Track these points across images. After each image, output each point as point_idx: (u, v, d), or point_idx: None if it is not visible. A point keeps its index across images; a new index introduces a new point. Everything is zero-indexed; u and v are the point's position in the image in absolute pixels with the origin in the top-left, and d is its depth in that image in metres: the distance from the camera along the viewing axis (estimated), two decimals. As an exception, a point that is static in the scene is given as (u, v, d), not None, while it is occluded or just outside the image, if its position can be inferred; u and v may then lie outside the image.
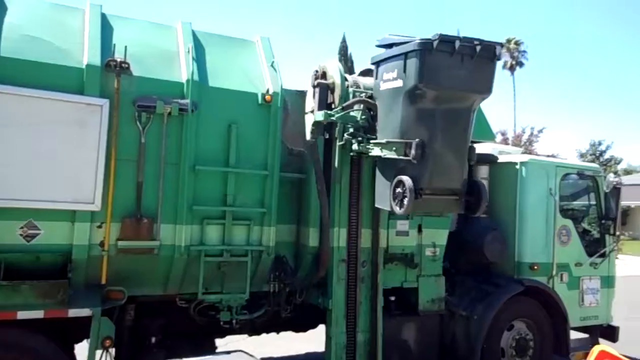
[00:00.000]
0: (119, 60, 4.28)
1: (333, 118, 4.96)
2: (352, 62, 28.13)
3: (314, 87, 5.40)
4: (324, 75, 5.45)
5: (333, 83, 5.32)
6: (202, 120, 4.60)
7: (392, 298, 5.76)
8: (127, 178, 4.36)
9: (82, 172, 4.19)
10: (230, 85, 4.81)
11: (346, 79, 5.35)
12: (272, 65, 5.10)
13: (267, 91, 4.86)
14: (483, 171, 6.39)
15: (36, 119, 4.03)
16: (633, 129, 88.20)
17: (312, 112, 5.40)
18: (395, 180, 4.37)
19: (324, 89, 5.32)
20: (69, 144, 4.14)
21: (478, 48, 4.26)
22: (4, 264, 3.96)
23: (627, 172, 47.87)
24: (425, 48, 4.16)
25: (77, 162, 4.18)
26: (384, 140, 4.59)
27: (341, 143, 5.11)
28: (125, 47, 4.30)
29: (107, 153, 4.24)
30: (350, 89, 5.26)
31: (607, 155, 47.52)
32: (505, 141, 33.81)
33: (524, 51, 47.94)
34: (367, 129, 4.96)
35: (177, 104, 4.45)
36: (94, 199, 4.21)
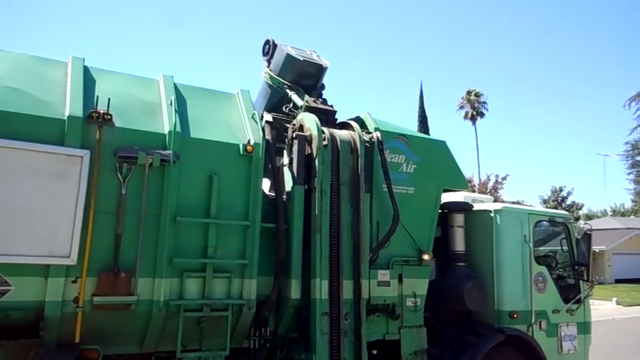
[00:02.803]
0: (101, 111, 4.27)
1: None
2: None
3: (292, 139, 5.49)
4: (301, 127, 5.55)
5: (310, 135, 5.41)
6: (183, 170, 4.57)
7: (374, 352, 5.66)
8: (105, 230, 4.24)
9: (59, 224, 4.06)
10: (212, 136, 4.83)
11: (323, 132, 5.45)
12: (252, 117, 5.16)
13: (249, 142, 4.90)
14: (459, 219, 6.51)
15: (13, 169, 3.93)
16: (591, 175, 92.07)
17: (290, 164, 5.45)
18: None
19: (302, 141, 5.40)
20: (47, 195, 4.02)
21: None
22: (-29, 323, 3.74)
23: (589, 217, 49.54)
24: None
25: (54, 215, 4.05)
26: None
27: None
28: (109, 98, 4.29)
29: (86, 205, 4.14)
30: (325, 141, 5.36)
31: (568, 201, 49.26)
32: (472, 188, 34.64)
33: (484, 102, 50.03)
34: None
35: (159, 154, 4.42)
36: (70, 253, 4.06)
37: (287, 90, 6.35)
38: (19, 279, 3.94)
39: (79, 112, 4.22)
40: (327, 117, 5.97)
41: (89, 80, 4.57)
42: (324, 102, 6.32)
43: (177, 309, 4.43)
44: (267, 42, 6.78)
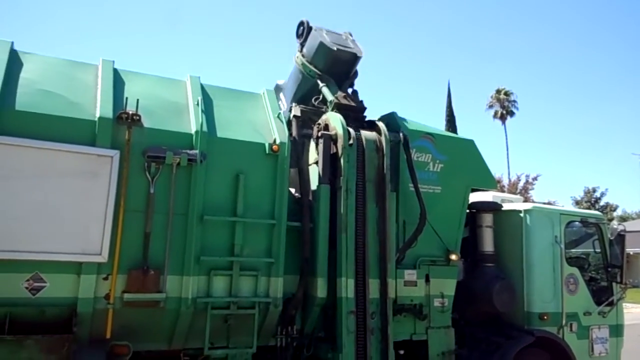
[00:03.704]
0: (130, 112, 4.36)
1: None
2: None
3: (317, 138, 5.49)
4: (326, 127, 5.55)
5: (336, 134, 5.41)
6: (210, 170, 4.64)
7: (402, 352, 5.62)
8: (134, 229, 4.33)
9: (90, 223, 4.17)
10: (238, 136, 4.88)
11: (348, 131, 5.44)
12: (278, 117, 5.20)
13: (274, 141, 4.93)
14: (487, 219, 6.41)
15: (47, 170, 4.05)
16: (626, 176, 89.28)
17: (315, 163, 5.46)
18: None
19: (327, 140, 5.41)
20: (79, 195, 4.13)
21: None
22: (8, 317, 3.86)
23: (623, 219, 48.02)
24: None
25: (85, 213, 4.16)
26: None
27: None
28: (137, 100, 4.39)
29: (116, 204, 4.24)
30: (351, 141, 5.35)
31: (602, 202, 47.89)
32: (501, 189, 34.05)
33: (514, 101, 49.13)
34: None
35: (186, 154, 4.50)
36: (101, 250, 4.17)
37: (319, 81, 6.18)
38: (53, 275, 4.05)
39: (109, 113, 4.33)
40: (355, 114, 5.92)
41: (118, 82, 4.68)
42: (355, 93, 6.24)
43: (205, 306, 4.49)
44: (302, 23, 6.53)
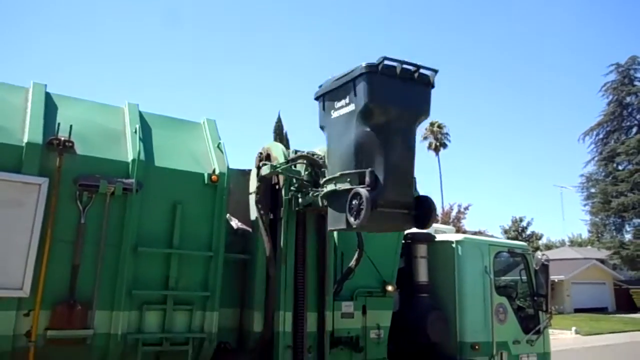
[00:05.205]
0: (62, 138, 4.18)
1: (279, 169, 5.12)
2: (287, 141, 28.82)
3: (259, 168, 5.49)
4: (268, 157, 5.58)
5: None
6: (146, 199, 4.51)
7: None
8: (62, 260, 4.11)
9: (11, 255, 3.91)
10: (177, 165, 4.79)
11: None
12: (218, 147, 5.16)
13: (214, 171, 4.88)
14: (422, 250, 6.59)
15: (-35, 198, 3.78)
16: (550, 206, 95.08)
17: (256, 192, 5.44)
18: (352, 192, 4.34)
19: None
20: (0, 225, 3.88)
21: (416, 74, 4.51)
22: None
23: (548, 247, 50.95)
24: (372, 70, 4.35)
25: (6, 245, 3.90)
26: (337, 174, 4.60)
27: (287, 197, 5.20)
28: (71, 125, 4.22)
29: (42, 234, 4.01)
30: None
31: (528, 231, 50.60)
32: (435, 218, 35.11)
33: (447, 133, 51.43)
34: (311, 184, 5.13)
35: (122, 183, 4.35)
36: (23, 285, 3.90)
37: None
38: (-33, 312, 3.75)
39: (38, 138, 4.13)
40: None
41: (50, 107, 4.49)
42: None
43: (136, 342, 4.30)
44: None
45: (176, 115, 5.44)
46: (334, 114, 4.73)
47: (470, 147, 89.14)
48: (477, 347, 6.34)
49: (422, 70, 4.54)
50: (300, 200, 5.19)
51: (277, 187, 5.39)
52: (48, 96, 4.57)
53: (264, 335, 4.99)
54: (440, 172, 50.51)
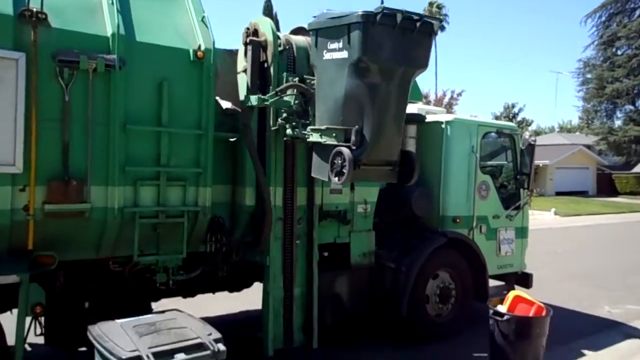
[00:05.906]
0: (34, 10, 3.95)
1: (267, 103, 4.93)
2: (277, 21, 27.52)
3: (246, 45, 5.31)
4: (255, 32, 5.36)
5: (265, 41, 5.25)
6: (130, 77, 4.39)
7: (326, 254, 5.98)
8: (51, 138, 4.11)
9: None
10: (160, 41, 4.60)
11: (278, 37, 5.30)
12: (202, 20, 4.92)
13: (199, 47, 4.72)
14: (412, 130, 6.61)
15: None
16: (543, 92, 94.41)
17: (244, 71, 5.33)
18: (334, 151, 4.33)
19: (257, 47, 5.25)
20: (-18, 102, 3.81)
21: (418, 24, 4.29)
22: None
23: (537, 133, 51.55)
24: (368, 20, 4.09)
25: (-8, 122, 3.87)
26: (323, 127, 4.51)
27: (275, 128, 5.13)
28: (42, -4, 3.97)
29: (27, 112, 3.96)
30: (281, 47, 5.24)
31: (519, 118, 50.90)
32: (428, 103, 35.02)
33: (446, 15, 49.09)
34: (301, 114, 4.94)
35: (103, 59, 4.21)
36: (15, 161, 3.94)
37: None
38: (-37, 188, 3.83)
39: (8, 9, 3.90)
40: None
41: (19, -24, 4.17)
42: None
43: (133, 215, 4.47)
44: None
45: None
46: (326, 55, 4.46)
47: (468, 31, 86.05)
48: (458, 220, 6.70)
49: (425, 19, 4.24)
50: (288, 131, 5.06)
51: (265, 64, 5.27)
52: (16, -36, 4.23)
53: (255, 210, 5.21)
54: (436, 57, 48.66)
